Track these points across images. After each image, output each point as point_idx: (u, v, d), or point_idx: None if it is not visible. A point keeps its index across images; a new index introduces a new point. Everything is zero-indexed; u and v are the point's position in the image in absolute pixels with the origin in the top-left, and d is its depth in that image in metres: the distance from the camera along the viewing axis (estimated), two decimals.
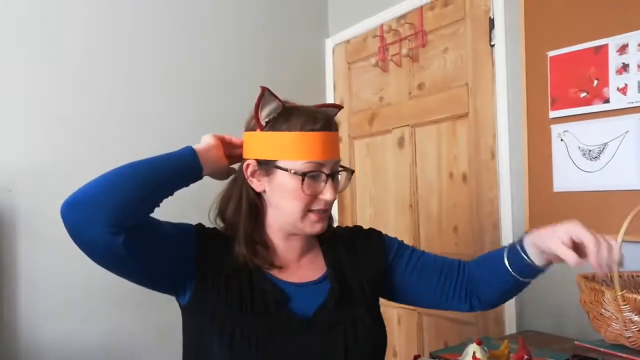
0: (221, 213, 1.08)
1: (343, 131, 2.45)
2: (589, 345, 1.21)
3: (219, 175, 1.07)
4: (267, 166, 1.00)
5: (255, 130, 1.02)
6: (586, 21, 1.55)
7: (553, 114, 1.62)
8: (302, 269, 1.07)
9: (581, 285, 1.25)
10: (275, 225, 1.06)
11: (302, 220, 1.01)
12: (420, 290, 1.15)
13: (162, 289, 1.04)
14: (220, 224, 1.09)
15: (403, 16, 2.19)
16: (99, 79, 1.98)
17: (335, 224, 1.18)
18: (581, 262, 0.89)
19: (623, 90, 1.46)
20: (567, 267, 1.58)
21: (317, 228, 1.02)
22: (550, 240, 0.93)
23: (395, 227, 2.23)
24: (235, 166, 1.09)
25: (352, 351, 0.99)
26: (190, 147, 1.00)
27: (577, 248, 0.92)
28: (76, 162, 1.90)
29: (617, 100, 1.47)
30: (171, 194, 0.97)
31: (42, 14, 1.88)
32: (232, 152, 1.08)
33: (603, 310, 1.17)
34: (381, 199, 2.34)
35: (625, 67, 1.46)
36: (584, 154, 1.56)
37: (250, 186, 1.03)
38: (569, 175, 1.59)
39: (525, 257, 1.02)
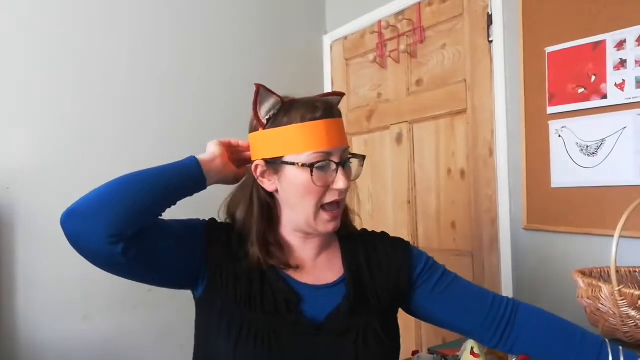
0: (231, 216, 1.05)
1: None
2: None
3: (227, 181, 1.06)
4: (274, 164, 0.98)
5: (258, 130, 1.00)
6: (584, 17, 1.55)
7: (551, 109, 1.62)
8: (318, 269, 1.04)
9: (578, 281, 1.26)
10: (290, 225, 1.03)
11: (315, 218, 0.97)
12: (443, 316, 1.07)
13: (173, 287, 1.03)
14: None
15: (401, 12, 2.19)
16: (98, 77, 1.98)
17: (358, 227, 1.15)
18: None
19: (621, 86, 1.46)
20: (565, 263, 1.59)
21: (330, 227, 0.99)
22: None
23: (393, 223, 2.23)
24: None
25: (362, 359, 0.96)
26: (194, 157, 0.98)
27: None
28: (75, 159, 1.89)
29: (614, 96, 1.48)
30: (174, 204, 0.96)
31: (41, 14, 1.87)
32: (239, 156, 1.06)
33: (600, 305, 1.17)
34: (379, 195, 2.34)
35: (623, 63, 1.46)
36: (582, 149, 1.56)
37: (261, 187, 1.01)
38: (566, 171, 1.59)
39: None
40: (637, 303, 1.08)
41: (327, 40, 2.60)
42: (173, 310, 2.07)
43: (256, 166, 1.00)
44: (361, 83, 2.42)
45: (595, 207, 1.53)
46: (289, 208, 1.01)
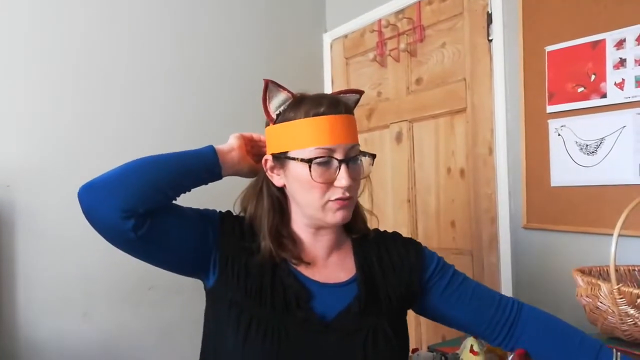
0: (244, 209, 1.06)
1: None
2: None
3: (243, 174, 1.07)
4: (280, 159, 0.98)
5: (269, 125, 1.01)
6: (584, 16, 1.55)
7: (550, 108, 1.63)
8: (330, 268, 1.03)
9: (577, 279, 1.26)
10: (299, 220, 1.03)
11: (322, 210, 0.97)
12: (452, 316, 1.07)
13: (184, 273, 1.03)
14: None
15: (401, 11, 2.19)
16: (98, 75, 1.98)
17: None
18: None
19: (620, 85, 1.46)
20: (564, 261, 1.59)
21: (339, 217, 0.97)
22: None
23: (393, 222, 2.24)
24: None
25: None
26: (212, 146, 1.00)
27: None
28: (75, 158, 1.89)
29: (614, 95, 1.48)
30: (188, 190, 0.98)
31: (41, 12, 1.87)
32: (259, 150, 1.07)
33: (599, 303, 1.18)
34: (379, 194, 2.34)
35: (622, 62, 1.46)
36: (581, 148, 1.56)
37: (271, 182, 1.02)
38: (566, 170, 1.59)
39: None
40: (636, 301, 1.09)
41: (327, 38, 2.60)
42: (174, 309, 2.07)
43: (265, 160, 1.01)
44: (361, 82, 2.42)
45: (594, 206, 1.53)
46: (296, 203, 1.01)
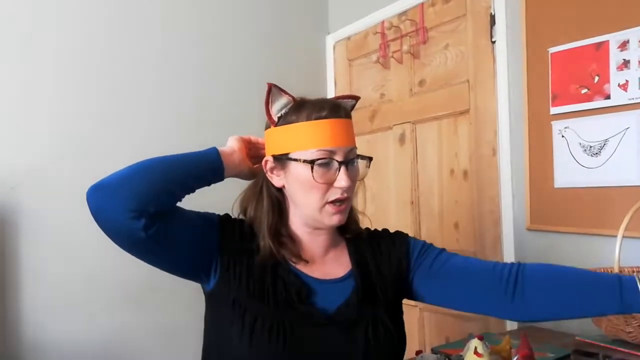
0: (243, 211, 1.09)
1: None
2: (589, 341, 1.21)
3: (243, 176, 1.10)
4: (281, 160, 1.02)
5: (270, 128, 1.04)
6: (587, 17, 1.55)
7: (554, 110, 1.63)
8: (327, 265, 1.07)
9: None
10: (297, 219, 1.06)
11: (320, 211, 1.00)
12: (448, 294, 1.07)
13: (186, 276, 1.05)
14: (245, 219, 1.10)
15: (404, 13, 2.19)
16: (102, 78, 1.99)
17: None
18: None
19: (624, 87, 1.46)
20: (568, 263, 1.59)
21: (335, 220, 1.01)
22: None
23: (396, 223, 2.23)
24: None
25: (372, 350, 0.98)
26: (215, 148, 1.03)
27: None
28: (79, 160, 1.90)
29: (617, 97, 1.48)
30: (192, 190, 1.00)
31: (42, 14, 1.88)
32: (257, 152, 1.10)
33: None
34: (382, 196, 2.34)
35: (626, 64, 1.46)
36: (585, 150, 1.56)
37: (271, 182, 1.05)
38: (569, 171, 1.59)
39: None
40: None
41: (330, 40, 2.60)
42: (177, 311, 2.07)
43: (266, 162, 1.04)
44: (364, 83, 2.43)
45: (598, 208, 1.53)
46: (295, 203, 1.04)
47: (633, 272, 1.35)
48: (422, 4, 2.10)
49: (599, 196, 1.53)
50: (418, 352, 1.24)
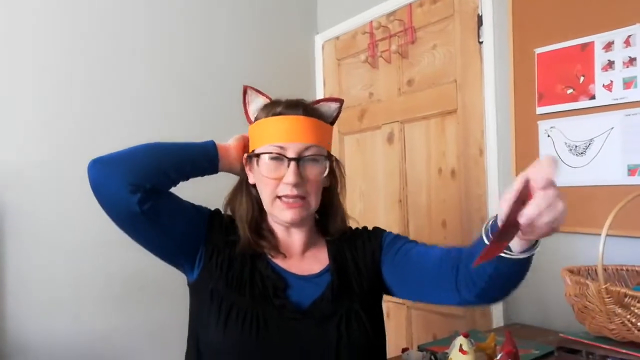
0: (230, 206, 1.13)
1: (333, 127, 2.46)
2: (573, 338, 1.23)
3: (236, 172, 1.13)
4: (250, 157, 1.07)
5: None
6: (573, 18, 1.56)
7: (540, 110, 1.64)
8: (305, 262, 1.09)
9: (566, 278, 1.28)
10: (270, 216, 1.10)
11: (272, 206, 1.03)
12: (408, 284, 1.08)
13: (170, 260, 1.08)
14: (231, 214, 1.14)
15: (392, 13, 2.20)
16: (89, 78, 1.97)
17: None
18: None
19: (608, 87, 1.48)
20: (553, 261, 1.60)
21: (287, 216, 1.02)
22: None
23: (384, 222, 2.24)
24: None
25: (344, 342, 0.99)
26: (213, 141, 1.08)
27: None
28: (64, 160, 1.88)
29: (602, 97, 1.49)
30: (187, 177, 1.04)
31: (37, 14, 1.87)
32: None
33: (587, 303, 1.19)
34: (371, 195, 2.35)
35: (610, 64, 1.48)
36: (571, 149, 1.58)
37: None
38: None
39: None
40: (623, 301, 1.10)
41: (319, 40, 2.61)
42: (163, 310, 2.07)
43: (245, 159, 1.09)
44: (353, 83, 2.43)
45: (583, 206, 1.54)
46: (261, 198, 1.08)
47: (617, 270, 1.37)
48: (411, 4, 2.11)
49: (583, 195, 1.54)
50: (404, 350, 1.25)
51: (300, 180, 1.00)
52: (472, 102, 1.89)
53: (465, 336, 1.08)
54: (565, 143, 1.58)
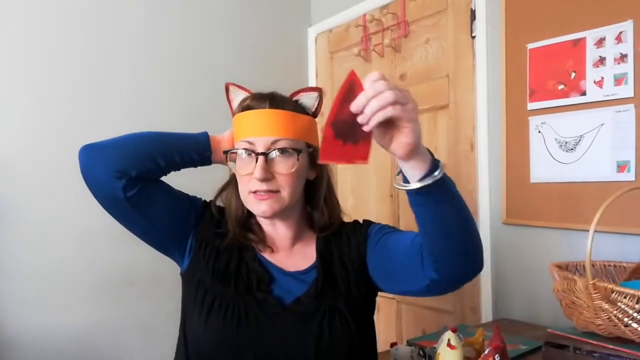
0: (221, 196, 1.13)
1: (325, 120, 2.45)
2: (560, 333, 1.23)
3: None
4: (225, 154, 1.06)
5: None
6: (565, 14, 1.56)
7: (531, 105, 1.64)
8: (293, 258, 1.08)
9: (554, 274, 1.28)
10: None
11: (247, 200, 1.02)
12: (388, 276, 1.02)
13: (161, 248, 1.09)
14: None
15: (386, 6, 2.19)
16: (75, 71, 1.95)
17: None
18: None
19: (599, 83, 1.48)
20: (542, 256, 1.61)
21: (259, 209, 1.00)
22: None
23: (376, 216, 2.24)
24: None
25: (324, 342, 0.97)
26: (206, 132, 1.07)
27: None
28: (52, 153, 1.86)
29: (593, 93, 1.50)
30: (178, 167, 1.04)
31: (29, 7, 1.84)
32: None
33: (575, 298, 1.20)
34: (362, 189, 2.35)
35: (602, 60, 1.48)
36: (561, 145, 1.58)
37: None
38: (545, 166, 1.61)
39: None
40: (610, 296, 1.10)
41: (312, 32, 2.59)
42: (154, 304, 2.06)
43: (225, 157, 1.08)
44: (345, 76, 2.42)
45: (572, 202, 1.55)
46: None
47: (604, 266, 1.38)
48: None
49: (573, 191, 1.55)
50: (393, 345, 1.25)
51: (269, 175, 0.98)
52: (464, 98, 1.89)
53: (454, 331, 1.08)
54: (556, 139, 1.59)
